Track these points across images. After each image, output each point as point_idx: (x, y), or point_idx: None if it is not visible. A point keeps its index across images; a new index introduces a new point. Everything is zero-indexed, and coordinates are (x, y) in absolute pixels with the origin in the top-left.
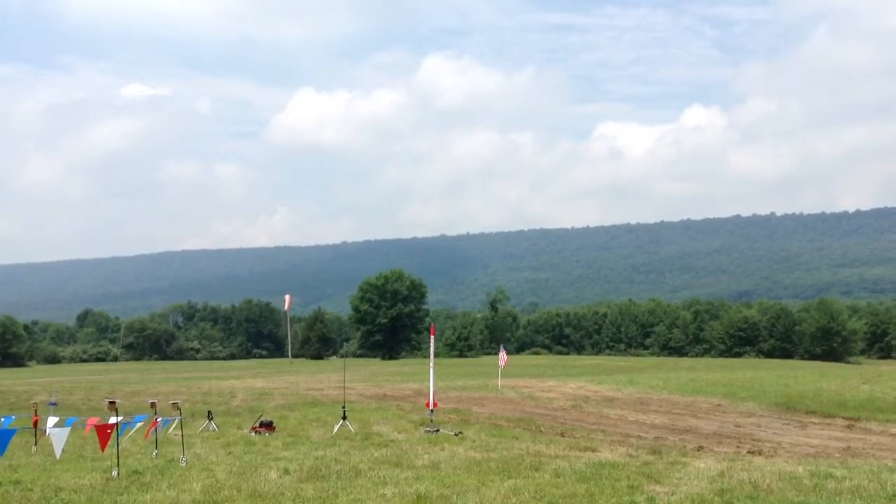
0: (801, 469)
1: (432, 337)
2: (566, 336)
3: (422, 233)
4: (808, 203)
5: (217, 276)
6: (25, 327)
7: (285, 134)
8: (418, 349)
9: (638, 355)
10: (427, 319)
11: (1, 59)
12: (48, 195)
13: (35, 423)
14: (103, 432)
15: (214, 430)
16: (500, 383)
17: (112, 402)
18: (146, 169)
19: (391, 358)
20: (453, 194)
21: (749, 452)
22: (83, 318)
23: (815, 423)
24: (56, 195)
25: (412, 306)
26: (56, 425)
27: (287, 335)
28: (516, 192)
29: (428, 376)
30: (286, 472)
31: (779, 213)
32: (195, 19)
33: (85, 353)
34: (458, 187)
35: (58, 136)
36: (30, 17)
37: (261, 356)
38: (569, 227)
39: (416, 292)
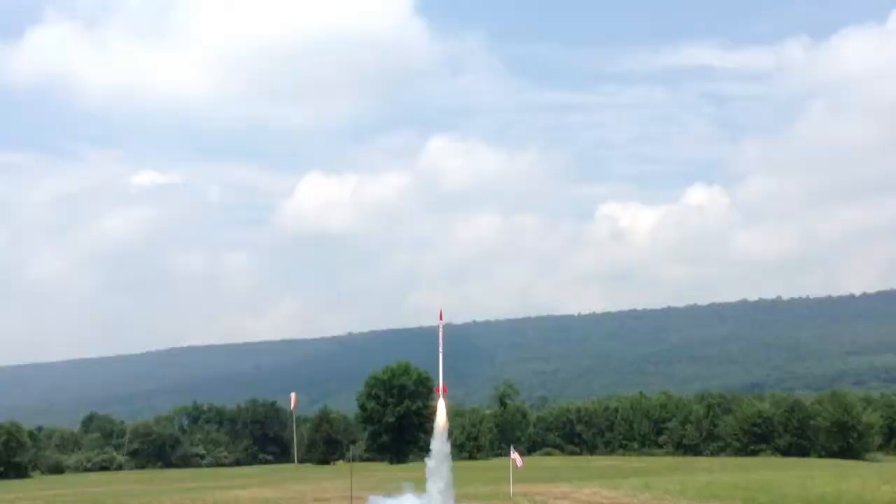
0: None
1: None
2: (578, 434)
3: (427, 321)
4: (813, 284)
5: (223, 373)
6: (30, 434)
7: (292, 220)
8: (426, 451)
9: (652, 454)
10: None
11: (10, 148)
12: (54, 290)
13: None
14: None
15: None
16: (511, 490)
17: None
18: (153, 261)
19: (399, 461)
20: (458, 280)
21: None
22: (88, 422)
23: None
24: (62, 290)
25: (420, 402)
26: None
27: (293, 438)
28: (521, 276)
29: None
30: None
31: (785, 296)
32: (204, 103)
33: (89, 461)
34: (463, 272)
35: (67, 227)
36: (40, 104)
37: (266, 461)
38: (575, 313)
39: (424, 387)
